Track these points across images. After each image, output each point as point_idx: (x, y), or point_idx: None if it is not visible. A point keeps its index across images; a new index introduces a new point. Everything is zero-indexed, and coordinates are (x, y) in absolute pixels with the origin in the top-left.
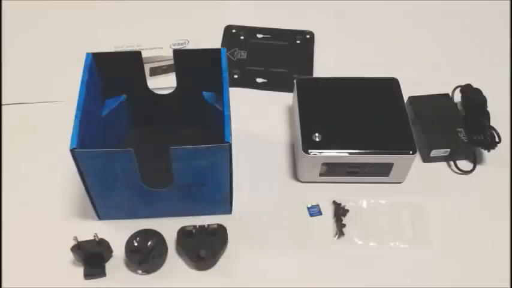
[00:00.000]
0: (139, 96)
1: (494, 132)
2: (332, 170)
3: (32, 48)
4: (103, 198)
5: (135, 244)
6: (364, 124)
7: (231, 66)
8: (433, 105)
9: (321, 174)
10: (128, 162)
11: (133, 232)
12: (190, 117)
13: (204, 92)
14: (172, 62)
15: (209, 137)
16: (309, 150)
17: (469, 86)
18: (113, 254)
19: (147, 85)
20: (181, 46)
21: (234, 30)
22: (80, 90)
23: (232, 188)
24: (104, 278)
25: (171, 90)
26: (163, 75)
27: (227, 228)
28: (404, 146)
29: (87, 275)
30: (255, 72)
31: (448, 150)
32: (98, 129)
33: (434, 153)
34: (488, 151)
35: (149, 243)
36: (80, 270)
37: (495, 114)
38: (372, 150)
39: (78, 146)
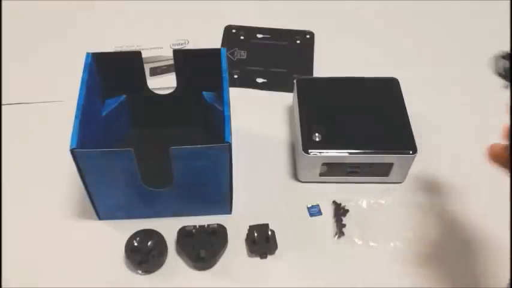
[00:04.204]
0: (139, 96)
1: None
2: (332, 170)
3: (32, 48)
4: (103, 198)
5: (135, 244)
6: (364, 124)
7: (231, 66)
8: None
9: (321, 174)
10: (128, 162)
11: (134, 232)
12: (190, 117)
13: (204, 92)
14: (172, 62)
15: (209, 137)
16: (309, 150)
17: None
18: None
19: (147, 85)
20: (181, 46)
21: (234, 30)
22: (80, 90)
23: (232, 188)
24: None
25: (171, 90)
26: (163, 75)
27: (227, 228)
28: (404, 146)
29: None
30: (255, 72)
31: None
32: (98, 129)
33: None
34: None
35: (149, 243)
36: (80, 271)
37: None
38: (372, 150)
39: (78, 146)
